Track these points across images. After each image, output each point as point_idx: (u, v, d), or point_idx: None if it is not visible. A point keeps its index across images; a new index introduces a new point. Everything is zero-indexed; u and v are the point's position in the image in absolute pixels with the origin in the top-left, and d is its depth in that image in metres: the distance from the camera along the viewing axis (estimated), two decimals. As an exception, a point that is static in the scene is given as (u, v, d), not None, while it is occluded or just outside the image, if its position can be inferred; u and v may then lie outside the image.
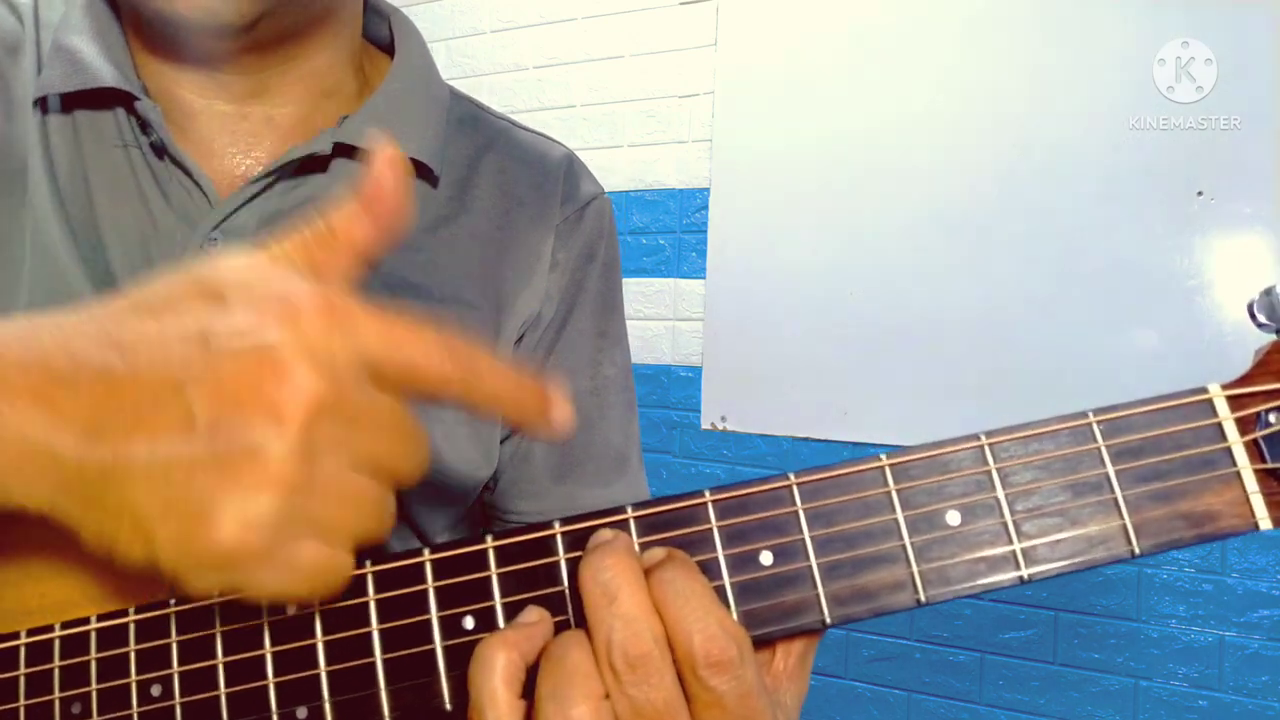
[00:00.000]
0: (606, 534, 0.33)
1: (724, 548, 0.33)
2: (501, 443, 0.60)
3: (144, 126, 0.51)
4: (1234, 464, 0.31)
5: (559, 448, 0.60)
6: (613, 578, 0.30)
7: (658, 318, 2.03)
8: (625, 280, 2.04)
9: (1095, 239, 1.64)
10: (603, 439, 0.62)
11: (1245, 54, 1.55)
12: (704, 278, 1.98)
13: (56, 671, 0.38)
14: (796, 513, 0.33)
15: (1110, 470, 0.32)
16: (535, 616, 0.32)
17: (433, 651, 0.34)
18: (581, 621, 0.31)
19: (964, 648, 1.74)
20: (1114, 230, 1.63)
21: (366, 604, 0.34)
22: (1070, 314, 1.66)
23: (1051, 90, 1.68)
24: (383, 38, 0.62)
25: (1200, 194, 1.58)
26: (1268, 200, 1.54)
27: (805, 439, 1.87)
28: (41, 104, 0.51)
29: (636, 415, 0.66)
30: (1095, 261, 1.64)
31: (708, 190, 1.98)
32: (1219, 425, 0.32)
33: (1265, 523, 0.31)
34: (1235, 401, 0.32)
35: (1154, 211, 1.61)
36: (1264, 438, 0.31)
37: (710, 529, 0.33)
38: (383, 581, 0.35)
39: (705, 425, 1.97)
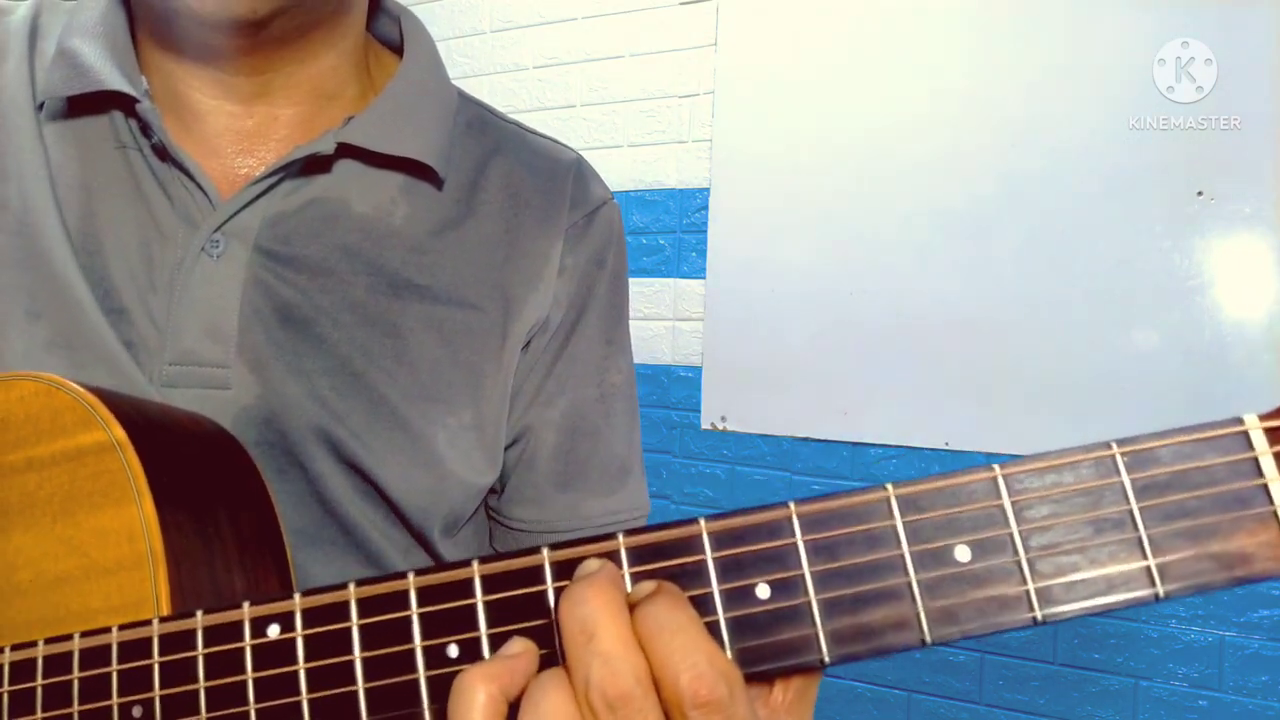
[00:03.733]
0: (593, 564, 0.31)
1: (719, 580, 0.31)
2: (507, 448, 0.59)
3: (145, 129, 0.51)
4: (1271, 502, 0.29)
5: (565, 454, 0.60)
6: (590, 612, 0.29)
7: (658, 318, 2.03)
8: (625, 280, 2.05)
9: (1095, 239, 1.64)
10: (607, 448, 0.61)
11: (1245, 54, 1.55)
12: (704, 278, 1.98)
13: (39, 690, 0.37)
14: (796, 544, 0.31)
15: (1134, 506, 0.30)
16: (519, 648, 0.31)
17: (416, 681, 0.33)
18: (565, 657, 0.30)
19: (964, 648, 1.74)
20: (1114, 230, 1.63)
21: (349, 629, 0.34)
22: (1070, 314, 1.66)
23: (1051, 90, 1.68)
24: (393, 38, 0.62)
25: (1200, 194, 1.58)
26: (1268, 200, 1.54)
27: (805, 439, 1.87)
28: (43, 108, 0.51)
29: (639, 423, 0.65)
30: (1095, 262, 1.64)
31: (708, 190, 1.98)
32: (1255, 460, 0.29)
33: None
34: (1275, 434, 0.29)
35: (1154, 211, 1.61)
36: None
37: (705, 560, 0.31)
38: (366, 607, 0.34)
39: (705, 425, 1.97)
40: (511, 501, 0.60)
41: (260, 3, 0.47)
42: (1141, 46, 1.62)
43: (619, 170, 2.07)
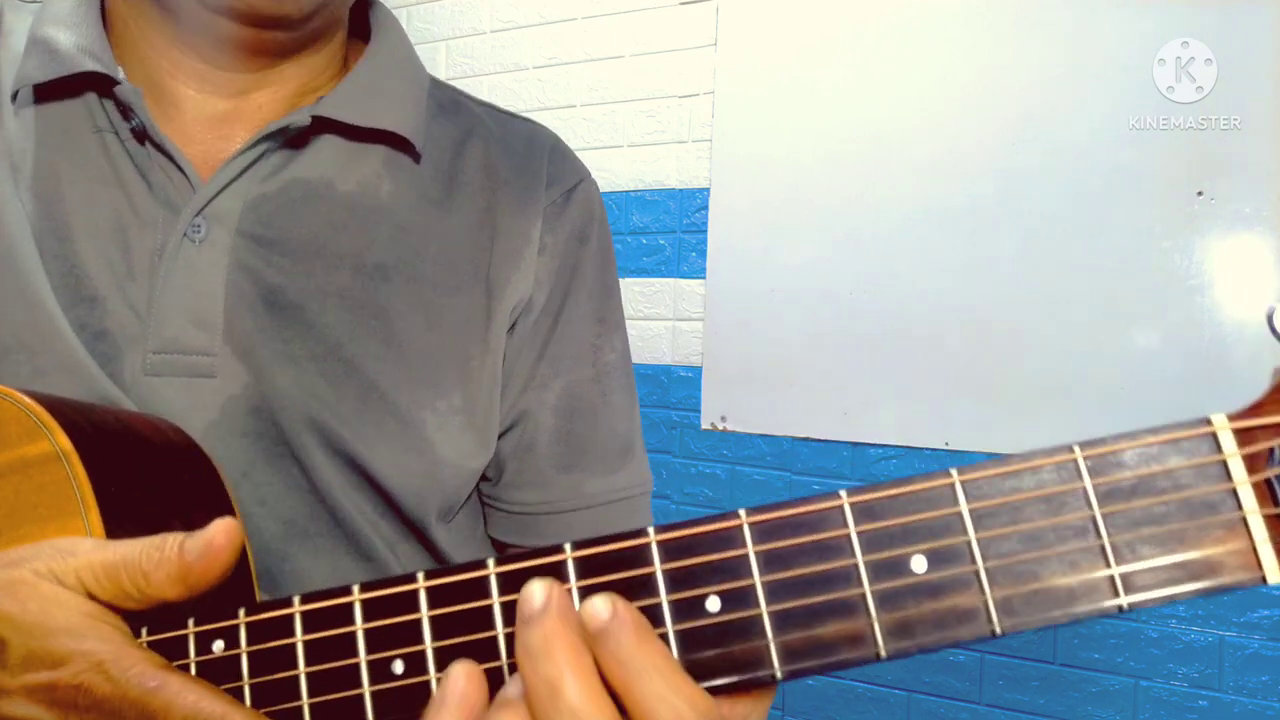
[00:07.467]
0: (538, 594, 0.29)
1: (668, 592, 0.30)
2: (504, 434, 0.59)
3: (124, 112, 0.50)
4: (1240, 508, 0.27)
5: (564, 436, 0.59)
6: (552, 667, 0.27)
7: (658, 318, 2.03)
8: (625, 280, 2.05)
9: (1095, 239, 1.64)
10: (607, 426, 0.61)
11: (1245, 54, 1.55)
12: (704, 278, 1.97)
13: None
14: (748, 555, 0.30)
15: (1097, 513, 0.28)
16: (464, 683, 0.30)
17: (360, 697, 0.32)
18: (515, 669, 0.29)
19: (964, 648, 1.74)
20: (1114, 230, 1.63)
21: (294, 645, 0.33)
22: (1070, 314, 1.65)
23: (1051, 90, 1.68)
24: (365, 31, 0.62)
25: (1200, 194, 1.58)
26: (1268, 200, 1.54)
27: (805, 439, 1.87)
28: (16, 97, 0.51)
29: (637, 398, 0.64)
30: (1095, 261, 1.64)
31: (708, 190, 1.98)
32: (1224, 463, 0.27)
33: (1274, 576, 0.26)
34: (1244, 435, 0.27)
35: (1154, 211, 1.61)
36: (1277, 477, 0.27)
37: (654, 572, 0.30)
38: (311, 622, 0.33)
39: (705, 425, 1.97)
40: (512, 486, 0.60)
41: (308, 1, 0.47)
42: (1141, 46, 1.61)
43: (619, 170, 2.07)
